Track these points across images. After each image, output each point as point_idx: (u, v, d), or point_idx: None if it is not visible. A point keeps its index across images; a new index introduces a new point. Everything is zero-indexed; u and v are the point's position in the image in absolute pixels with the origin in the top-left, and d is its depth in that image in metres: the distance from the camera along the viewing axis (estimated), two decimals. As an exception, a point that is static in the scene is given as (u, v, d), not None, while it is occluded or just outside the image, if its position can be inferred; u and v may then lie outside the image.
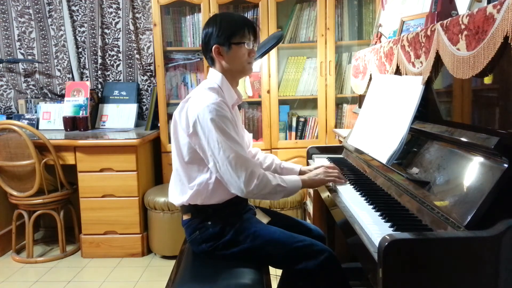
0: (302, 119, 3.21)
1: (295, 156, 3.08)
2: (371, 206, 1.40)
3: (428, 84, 1.51)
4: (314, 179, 1.68)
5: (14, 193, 2.84)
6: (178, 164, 1.60)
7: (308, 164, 2.23)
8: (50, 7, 3.41)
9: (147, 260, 2.91)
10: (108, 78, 3.49)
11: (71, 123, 3.20)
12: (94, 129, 3.31)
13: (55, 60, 3.47)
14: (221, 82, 1.60)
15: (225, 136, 1.47)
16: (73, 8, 3.40)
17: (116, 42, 3.43)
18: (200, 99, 1.51)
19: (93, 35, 3.42)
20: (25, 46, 3.44)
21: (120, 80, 3.48)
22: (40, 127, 3.31)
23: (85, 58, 3.47)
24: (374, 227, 1.21)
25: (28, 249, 2.92)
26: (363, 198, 1.50)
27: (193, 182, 1.57)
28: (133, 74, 3.48)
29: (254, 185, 1.48)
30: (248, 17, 3.13)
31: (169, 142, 3.05)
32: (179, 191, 1.62)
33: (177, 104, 1.64)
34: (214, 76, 1.62)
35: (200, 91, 1.57)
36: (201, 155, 1.53)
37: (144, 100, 3.49)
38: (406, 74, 1.67)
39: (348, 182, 1.71)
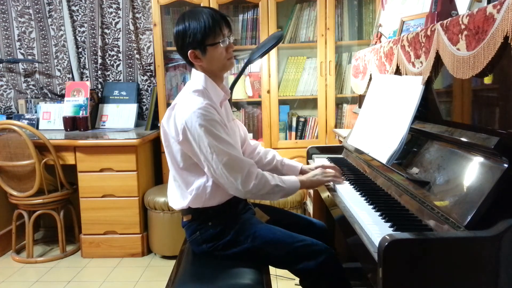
0: (302, 119, 3.21)
1: (295, 156, 3.07)
2: (371, 206, 1.40)
3: (428, 84, 1.51)
4: (312, 180, 1.67)
5: (14, 193, 2.84)
6: (174, 171, 1.59)
7: (308, 164, 2.23)
8: (50, 7, 3.41)
9: (147, 260, 2.91)
10: (108, 78, 3.49)
11: (71, 123, 3.20)
12: (94, 129, 3.31)
13: (55, 60, 3.47)
14: (205, 82, 1.56)
15: (216, 140, 1.45)
16: (73, 8, 3.40)
17: (116, 42, 3.43)
18: (186, 105, 1.49)
19: (93, 35, 3.42)
20: (25, 46, 3.44)
21: (120, 80, 3.48)
22: (40, 127, 3.31)
23: (85, 58, 3.47)
24: (374, 227, 1.21)
25: (28, 249, 2.92)
26: (363, 198, 1.50)
27: (191, 187, 1.57)
28: (133, 74, 3.48)
29: (253, 185, 1.48)
30: (248, 17, 3.13)
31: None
32: (179, 196, 1.62)
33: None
34: (197, 77, 1.58)
35: (185, 95, 1.53)
36: (195, 160, 1.52)
37: (144, 100, 3.49)
38: (406, 74, 1.67)
39: (346, 181, 1.71)
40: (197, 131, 1.45)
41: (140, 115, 3.47)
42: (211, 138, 1.45)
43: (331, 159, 2.12)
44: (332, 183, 1.72)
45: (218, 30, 1.51)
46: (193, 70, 1.61)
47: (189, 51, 1.52)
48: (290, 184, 1.58)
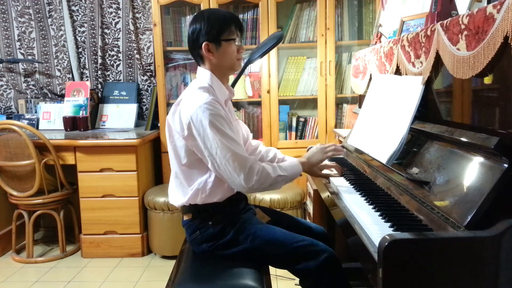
0: (302, 119, 3.21)
1: (295, 156, 3.05)
2: (371, 206, 1.40)
3: (428, 84, 1.51)
4: (312, 160, 1.69)
5: (14, 193, 2.84)
6: (177, 167, 1.60)
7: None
8: (50, 7, 3.41)
9: (147, 260, 2.91)
10: (108, 78, 3.49)
11: (71, 123, 3.20)
12: (94, 129, 3.31)
13: (55, 60, 3.47)
14: (211, 80, 1.58)
15: (220, 135, 1.46)
16: (73, 8, 3.40)
17: (116, 42, 3.43)
18: (192, 100, 1.50)
19: (93, 35, 3.42)
20: (25, 46, 3.44)
21: (120, 80, 3.48)
22: (40, 127, 3.31)
23: (85, 58, 3.47)
24: (374, 227, 1.21)
25: (28, 249, 2.92)
26: (363, 198, 1.50)
27: (193, 184, 1.58)
28: (133, 74, 3.48)
29: (255, 180, 1.48)
30: (248, 17, 3.13)
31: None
32: (181, 193, 1.62)
33: (178, 104, 1.64)
34: (203, 75, 1.60)
35: (191, 92, 1.55)
36: (200, 156, 1.53)
37: (144, 100, 3.49)
38: (406, 74, 1.67)
39: (346, 181, 1.71)
40: (202, 125, 1.46)
41: (140, 115, 3.47)
42: (216, 133, 1.45)
43: (331, 159, 2.12)
44: (330, 178, 1.72)
45: (234, 28, 1.56)
46: (199, 68, 1.62)
47: (203, 43, 1.54)
48: (291, 170, 1.59)
